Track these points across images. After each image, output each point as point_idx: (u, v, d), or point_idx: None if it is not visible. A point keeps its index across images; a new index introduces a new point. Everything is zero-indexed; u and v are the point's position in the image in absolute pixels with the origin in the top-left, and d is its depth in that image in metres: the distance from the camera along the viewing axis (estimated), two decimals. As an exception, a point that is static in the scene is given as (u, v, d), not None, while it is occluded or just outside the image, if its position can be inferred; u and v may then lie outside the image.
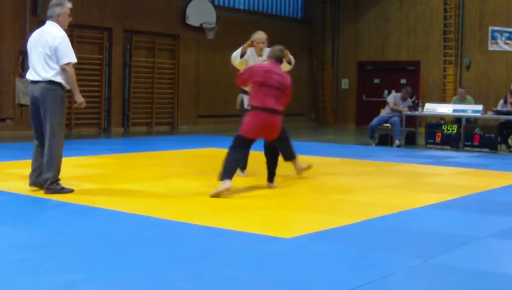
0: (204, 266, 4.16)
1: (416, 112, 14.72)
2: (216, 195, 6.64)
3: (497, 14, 19.22)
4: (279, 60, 7.26)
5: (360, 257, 4.49)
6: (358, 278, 3.96)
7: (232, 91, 19.82)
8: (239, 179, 8.11)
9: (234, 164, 6.92)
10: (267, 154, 7.54)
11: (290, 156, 8.21)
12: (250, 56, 8.06)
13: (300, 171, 8.32)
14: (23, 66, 14.71)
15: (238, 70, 7.62)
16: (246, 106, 7.74)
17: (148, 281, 3.83)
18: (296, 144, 13.92)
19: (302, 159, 10.82)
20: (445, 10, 19.95)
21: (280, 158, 7.76)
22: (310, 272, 4.09)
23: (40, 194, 6.70)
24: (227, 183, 6.73)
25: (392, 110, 14.32)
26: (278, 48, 7.34)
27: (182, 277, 3.93)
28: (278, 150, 7.57)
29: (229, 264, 4.22)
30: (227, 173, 6.81)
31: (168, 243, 4.81)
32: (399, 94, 14.62)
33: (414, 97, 16.25)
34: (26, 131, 14.80)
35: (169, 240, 4.92)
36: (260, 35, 8.18)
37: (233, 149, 6.99)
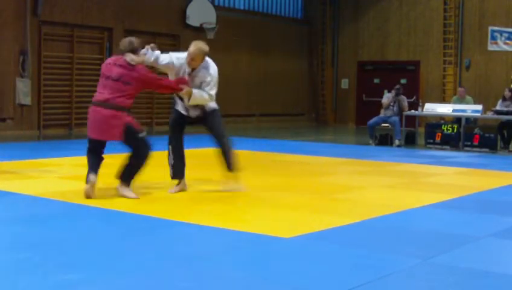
0: (204, 266, 4.16)
1: (416, 112, 14.72)
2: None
3: (496, 14, 19.22)
4: (125, 52, 6.56)
5: (360, 257, 4.49)
6: (358, 278, 3.96)
7: (231, 91, 19.89)
8: (241, 179, 8.12)
9: (88, 166, 6.63)
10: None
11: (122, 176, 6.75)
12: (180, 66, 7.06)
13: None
14: (24, 67, 14.72)
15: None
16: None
17: (148, 281, 3.83)
18: (296, 144, 14.00)
19: (302, 159, 10.86)
20: (445, 10, 19.96)
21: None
22: (309, 272, 4.09)
23: (40, 194, 6.70)
24: (85, 185, 6.48)
25: (386, 108, 14.31)
26: (126, 40, 6.72)
27: (182, 277, 3.93)
28: (142, 154, 6.59)
29: (229, 264, 4.22)
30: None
31: (168, 243, 4.81)
32: (391, 94, 14.57)
33: (414, 97, 16.23)
34: (26, 131, 14.82)
35: (169, 240, 4.92)
36: (190, 49, 6.89)
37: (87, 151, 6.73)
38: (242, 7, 20.54)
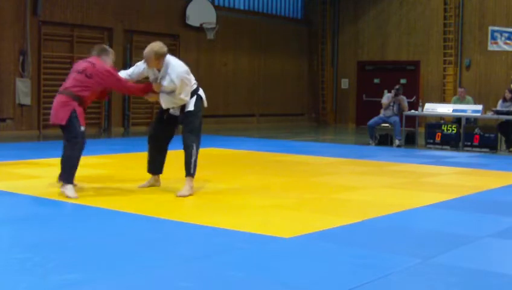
0: (204, 266, 4.16)
1: (416, 112, 14.72)
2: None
3: (497, 14, 19.22)
4: (98, 55, 7.06)
5: (360, 257, 4.49)
6: (358, 278, 3.96)
7: (231, 91, 19.90)
8: (242, 179, 8.12)
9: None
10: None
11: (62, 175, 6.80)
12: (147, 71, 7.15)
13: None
14: (24, 66, 14.73)
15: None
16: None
17: (148, 281, 3.83)
18: (296, 144, 14.00)
19: (302, 159, 10.86)
20: (445, 10, 19.96)
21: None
22: (309, 272, 4.09)
23: (40, 194, 6.70)
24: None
25: (386, 109, 14.30)
26: (99, 46, 7.29)
27: (182, 276, 3.93)
28: (73, 147, 6.73)
29: (229, 264, 4.22)
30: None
31: (168, 243, 4.81)
32: (391, 94, 14.57)
33: (414, 97, 16.23)
34: (26, 131, 14.82)
35: (169, 240, 4.92)
36: (144, 52, 6.90)
37: None
38: (242, 7, 20.54)
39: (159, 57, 6.82)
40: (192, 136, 6.88)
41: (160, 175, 7.34)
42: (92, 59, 6.93)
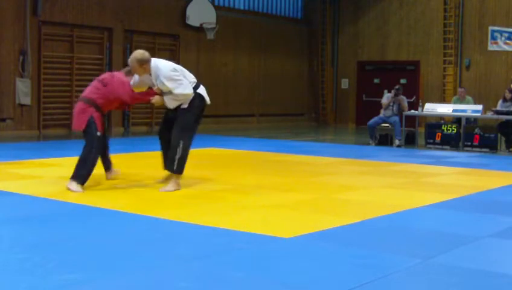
0: (204, 266, 4.16)
1: (416, 112, 14.72)
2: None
3: (497, 14, 19.22)
4: (125, 74, 7.37)
5: (360, 257, 4.49)
6: (358, 278, 3.96)
7: (231, 91, 19.90)
8: (242, 179, 8.12)
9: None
10: None
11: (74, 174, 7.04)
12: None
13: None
14: (23, 66, 14.73)
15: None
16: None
17: (148, 281, 3.83)
18: (296, 144, 14.00)
19: (303, 159, 10.86)
20: (445, 10, 19.96)
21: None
22: (309, 272, 4.09)
23: (40, 194, 6.70)
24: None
25: (386, 109, 14.30)
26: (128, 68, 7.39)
27: (182, 276, 3.93)
28: (89, 151, 7.03)
29: (229, 264, 4.22)
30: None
31: (168, 243, 4.81)
32: (391, 94, 14.56)
33: (414, 97, 16.22)
34: (26, 131, 14.82)
35: (169, 240, 4.92)
36: (129, 63, 7.11)
37: None
38: (242, 7, 20.54)
39: (143, 63, 6.94)
40: (181, 134, 7.02)
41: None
42: (117, 72, 7.30)
